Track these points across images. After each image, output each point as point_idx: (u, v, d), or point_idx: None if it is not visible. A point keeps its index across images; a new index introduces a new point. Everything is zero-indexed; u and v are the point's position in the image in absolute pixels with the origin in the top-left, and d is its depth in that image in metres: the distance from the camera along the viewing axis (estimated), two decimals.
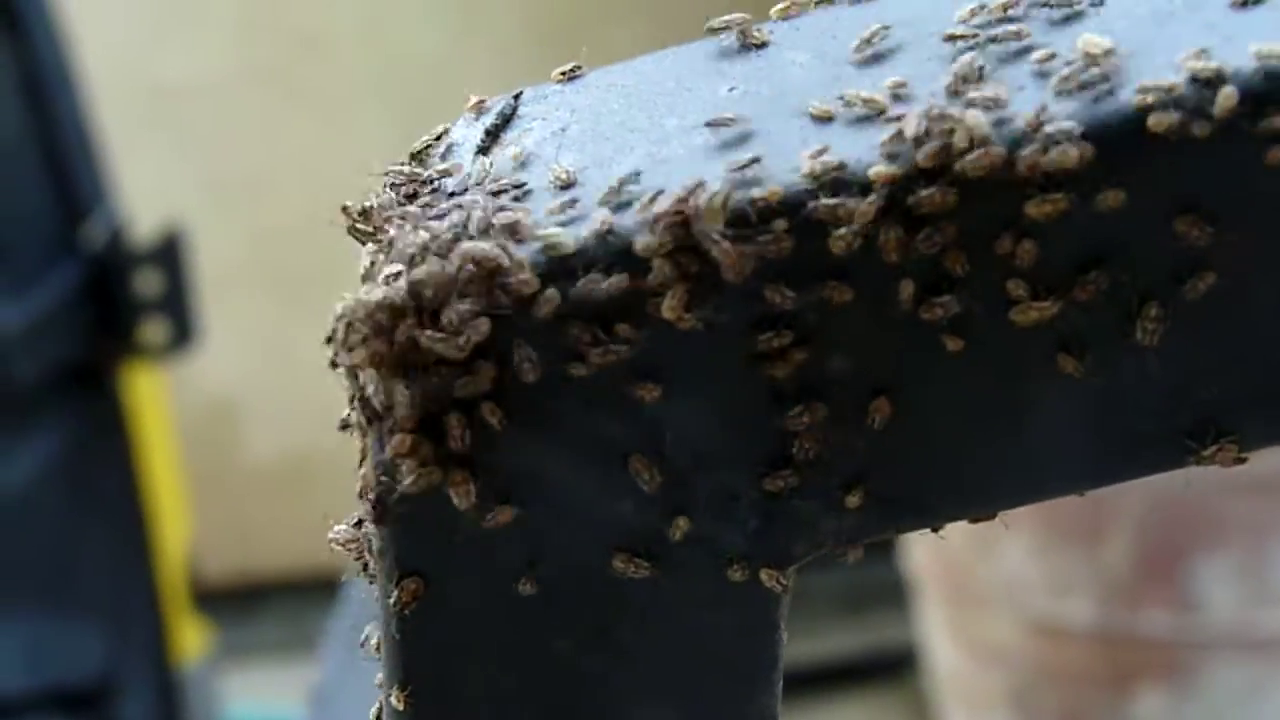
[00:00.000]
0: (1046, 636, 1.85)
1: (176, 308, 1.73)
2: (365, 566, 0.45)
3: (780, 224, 0.41)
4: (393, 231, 0.42)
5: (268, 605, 2.72)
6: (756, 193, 0.41)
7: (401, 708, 0.45)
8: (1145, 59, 0.41)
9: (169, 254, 1.72)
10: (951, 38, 0.43)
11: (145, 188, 2.18)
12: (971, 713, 1.95)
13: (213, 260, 2.23)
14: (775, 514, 0.43)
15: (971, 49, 0.43)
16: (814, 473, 0.43)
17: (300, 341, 2.70)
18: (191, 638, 1.81)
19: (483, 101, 0.47)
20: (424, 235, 0.41)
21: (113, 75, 2.43)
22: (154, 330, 1.73)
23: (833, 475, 0.43)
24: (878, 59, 0.44)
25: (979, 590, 1.88)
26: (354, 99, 2.66)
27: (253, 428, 2.73)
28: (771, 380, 0.42)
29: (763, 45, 0.46)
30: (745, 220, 0.41)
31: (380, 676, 0.46)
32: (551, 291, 0.41)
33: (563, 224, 0.42)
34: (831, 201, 0.40)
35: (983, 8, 0.44)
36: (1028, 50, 0.42)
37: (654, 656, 0.45)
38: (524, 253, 0.41)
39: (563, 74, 0.47)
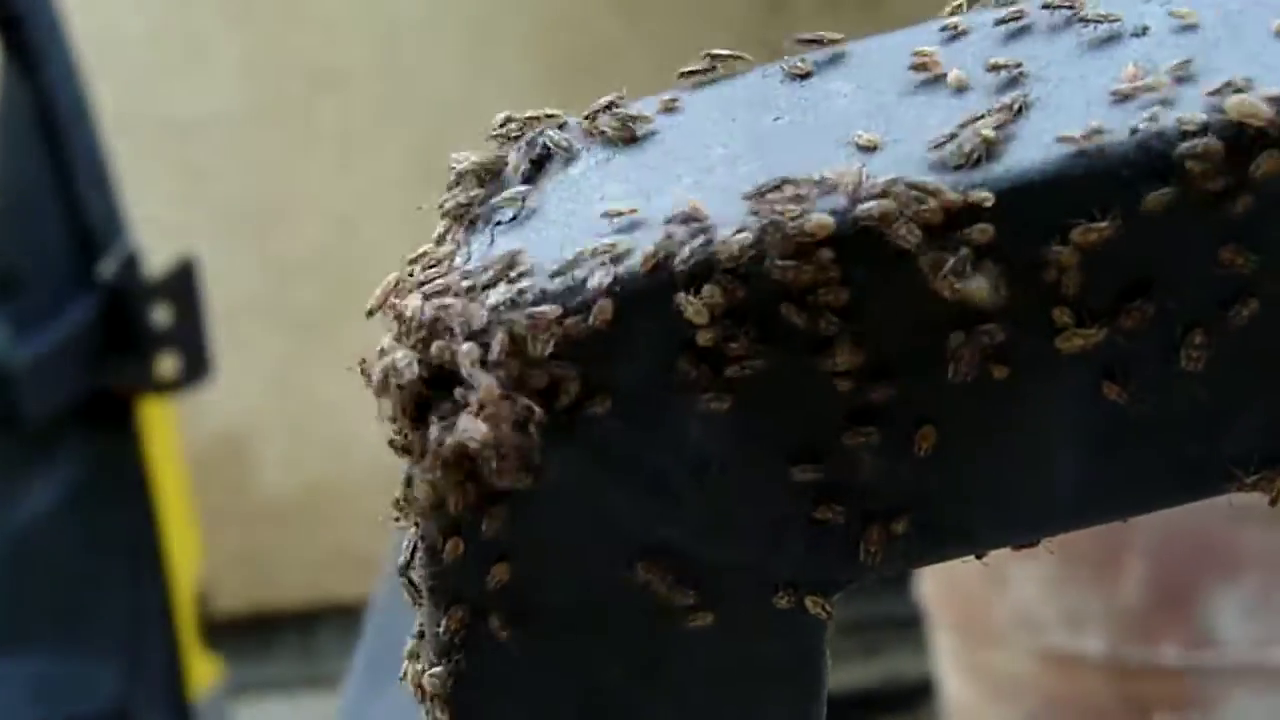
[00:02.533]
0: (1060, 668, 1.85)
1: (189, 341, 1.73)
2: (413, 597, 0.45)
3: (826, 254, 0.41)
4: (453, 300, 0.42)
5: (279, 638, 2.72)
6: (803, 224, 0.41)
7: None
8: (1188, 87, 0.41)
9: (182, 287, 1.73)
10: (995, 67, 0.43)
11: (158, 221, 2.19)
12: None
13: (225, 293, 2.23)
14: (821, 541, 0.43)
15: (1014, 78, 0.43)
16: (861, 500, 0.43)
17: (312, 374, 2.71)
18: (203, 671, 1.81)
19: (513, 124, 0.47)
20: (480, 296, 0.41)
21: (126, 109, 2.44)
22: (167, 363, 1.73)
23: (879, 503, 0.43)
24: (923, 88, 0.44)
25: (992, 622, 1.88)
26: (366, 133, 2.66)
27: (264, 461, 2.73)
28: (826, 403, 0.42)
29: (807, 75, 0.46)
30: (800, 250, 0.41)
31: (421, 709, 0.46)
32: (612, 320, 0.41)
33: (615, 255, 0.42)
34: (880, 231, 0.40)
35: (1022, 30, 0.44)
36: (1068, 76, 0.43)
37: (699, 685, 0.45)
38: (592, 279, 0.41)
39: (606, 105, 0.47)
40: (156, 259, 1.77)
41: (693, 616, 0.44)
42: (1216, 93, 0.41)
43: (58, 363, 1.67)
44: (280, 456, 2.73)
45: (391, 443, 0.43)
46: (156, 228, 2.08)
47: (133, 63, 2.60)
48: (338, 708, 1.35)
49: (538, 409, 0.41)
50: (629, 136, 0.46)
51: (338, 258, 2.66)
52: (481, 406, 0.40)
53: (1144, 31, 0.43)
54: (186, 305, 1.73)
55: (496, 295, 0.41)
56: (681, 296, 0.41)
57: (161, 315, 1.72)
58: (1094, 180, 0.40)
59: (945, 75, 0.44)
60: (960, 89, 0.43)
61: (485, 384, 0.40)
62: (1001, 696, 1.89)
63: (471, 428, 0.40)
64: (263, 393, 2.69)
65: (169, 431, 1.79)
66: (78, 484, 1.71)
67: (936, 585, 1.93)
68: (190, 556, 1.81)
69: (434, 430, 0.41)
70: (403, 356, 0.41)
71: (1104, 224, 0.40)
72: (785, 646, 0.44)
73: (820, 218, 0.41)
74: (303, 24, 2.64)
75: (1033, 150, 0.41)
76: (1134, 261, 0.41)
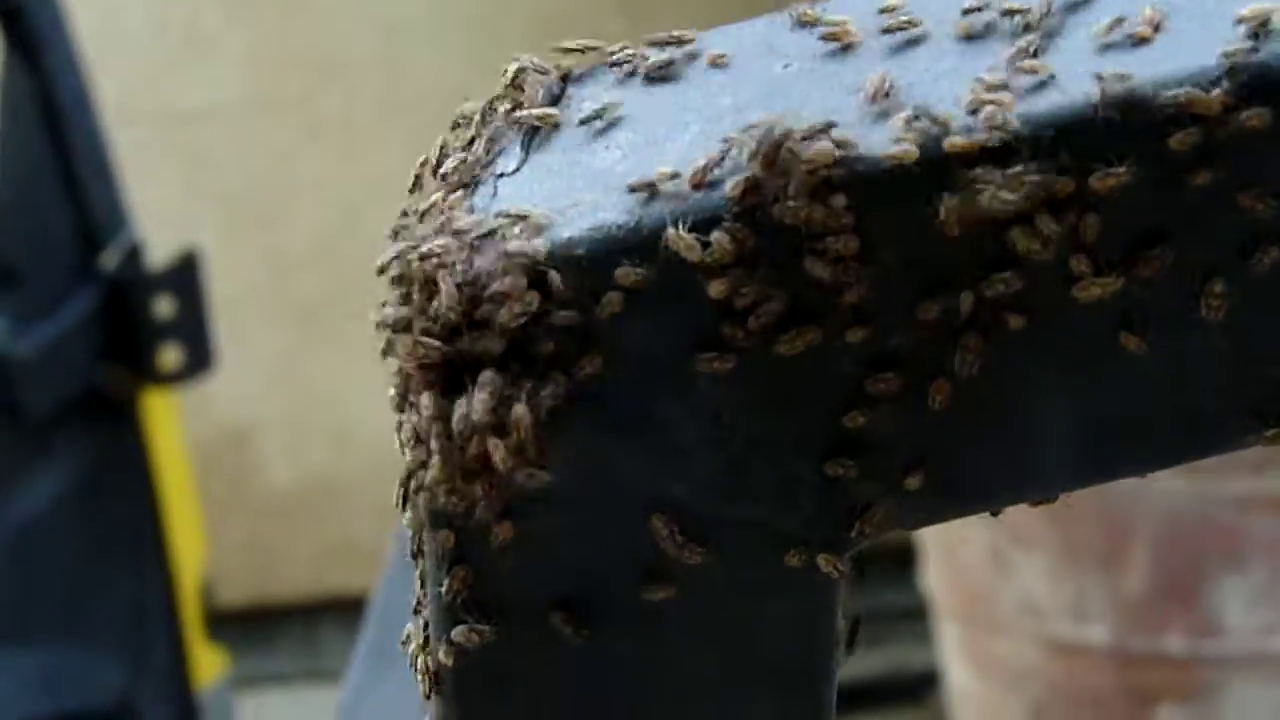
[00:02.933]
0: (1065, 658, 1.84)
1: (192, 333, 1.73)
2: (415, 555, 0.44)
3: (839, 200, 0.40)
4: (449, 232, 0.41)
5: (283, 630, 2.72)
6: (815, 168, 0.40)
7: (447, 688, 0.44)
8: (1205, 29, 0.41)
9: (185, 279, 1.72)
10: (1009, 11, 0.43)
11: (159, 213, 2.19)
12: None
13: (227, 285, 2.23)
14: (834, 498, 0.42)
15: (1028, 24, 0.42)
16: (874, 455, 0.42)
17: (315, 367, 2.71)
18: (207, 664, 1.81)
19: (522, 76, 0.46)
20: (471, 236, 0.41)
21: (128, 101, 2.44)
22: (169, 355, 1.73)
23: (892, 458, 0.42)
24: (924, 38, 0.43)
25: (997, 612, 1.88)
26: (368, 126, 2.66)
27: (267, 453, 2.73)
28: (838, 356, 0.41)
29: (815, 23, 0.45)
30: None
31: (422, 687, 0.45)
32: (622, 271, 0.40)
33: (627, 205, 0.41)
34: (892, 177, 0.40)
35: None
36: (1084, 21, 0.42)
37: (709, 645, 0.44)
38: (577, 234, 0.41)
39: (611, 54, 0.47)
40: (159, 251, 1.77)
41: (702, 575, 0.43)
42: (1248, 30, 0.40)
43: (60, 355, 1.67)
44: (283, 449, 2.73)
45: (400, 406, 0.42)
46: (159, 219, 2.07)
47: (135, 54, 2.60)
48: (339, 698, 1.35)
49: (552, 381, 0.40)
50: (647, 78, 0.45)
51: (341, 249, 2.66)
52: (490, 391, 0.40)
53: None
54: (189, 297, 1.73)
55: (501, 248, 0.41)
56: (682, 239, 0.40)
57: (164, 307, 1.72)
58: (1112, 125, 0.40)
59: (956, 22, 0.43)
60: (971, 36, 0.43)
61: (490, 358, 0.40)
62: (1006, 686, 1.89)
63: (480, 409, 0.40)
64: (266, 385, 2.69)
65: (172, 424, 1.79)
66: (80, 477, 1.71)
67: (941, 575, 1.93)
68: (194, 549, 1.81)
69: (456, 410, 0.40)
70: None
71: (1122, 169, 0.40)
72: (797, 606, 0.44)
73: (822, 146, 0.40)
74: (306, 16, 2.63)
75: (1051, 95, 0.40)
76: (1153, 208, 0.40)
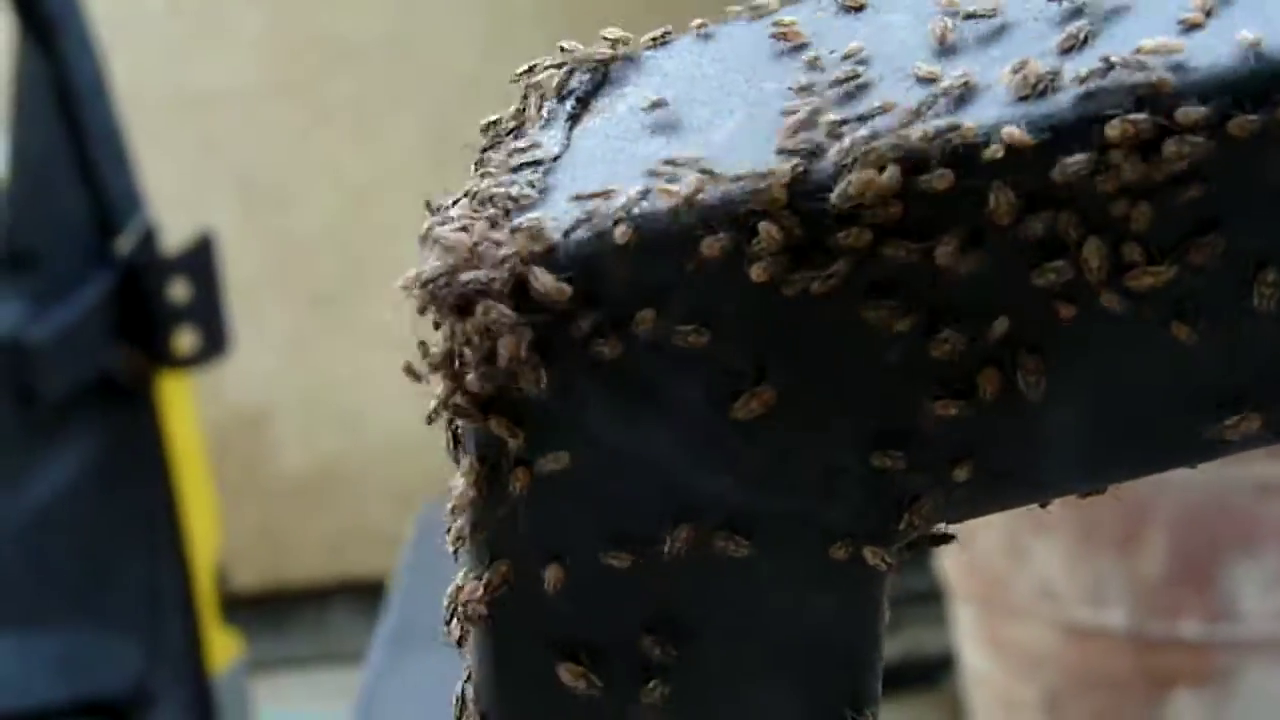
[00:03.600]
0: (1081, 642, 1.84)
1: (207, 316, 1.73)
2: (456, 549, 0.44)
3: (893, 174, 0.40)
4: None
5: (297, 613, 2.72)
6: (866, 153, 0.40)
7: (488, 693, 0.44)
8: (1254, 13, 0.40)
9: (199, 262, 1.72)
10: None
11: (174, 197, 2.19)
12: (1006, 719, 1.94)
13: (241, 269, 2.23)
14: (880, 489, 0.42)
15: (1078, 8, 0.42)
16: (922, 447, 0.42)
17: (329, 350, 2.71)
18: (222, 647, 1.81)
19: (567, 64, 0.46)
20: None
21: (143, 84, 2.43)
22: (184, 339, 1.73)
23: (940, 449, 0.42)
24: (976, 18, 0.43)
25: (1013, 596, 1.87)
26: (382, 109, 2.66)
27: (282, 437, 2.73)
28: (885, 346, 0.41)
29: (860, 8, 0.45)
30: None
31: (466, 664, 0.44)
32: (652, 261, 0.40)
33: (661, 192, 0.41)
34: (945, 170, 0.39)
35: None
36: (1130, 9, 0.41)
37: (753, 638, 0.43)
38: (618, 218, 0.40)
39: (653, 40, 0.46)
40: (173, 234, 1.77)
41: (746, 568, 0.42)
42: None
43: (75, 338, 1.67)
44: (298, 432, 2.73)
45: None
46: (173, 203, 2.07)
47: (149, 37, 2.60)
48: (360, 682, 1.35)
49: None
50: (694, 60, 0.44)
51: (354, 232, 2.66)
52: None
53: None
54: (204, 281, 1.72)
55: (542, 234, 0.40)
56: (710, 241, 0.40)
57: (179, 291, 1.72)
58: (1160, 113, 0.39)
59: (1005, 6, 0.43)
60: (1019, 21, 0.42)
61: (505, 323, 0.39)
62: (1022, 670, 1.89)
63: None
64: (280, 369, 2.69)
65: (186, 407, 1.79)
66: (95, 460, 1.71)
67: (957, 559, 1.93)
68: (208, 533, 1.81)
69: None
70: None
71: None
72: (842, 598, 0.43)
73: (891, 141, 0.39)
74: None
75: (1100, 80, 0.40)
76: (1205, 195, 0.40)
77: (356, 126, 2.66)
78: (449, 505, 0.43)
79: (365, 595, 2.67)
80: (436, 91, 2.64)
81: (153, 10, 2.61)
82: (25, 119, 1.69)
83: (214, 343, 1.74)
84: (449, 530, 0.43)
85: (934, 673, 2.31)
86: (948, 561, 1.95)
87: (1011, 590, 1.87)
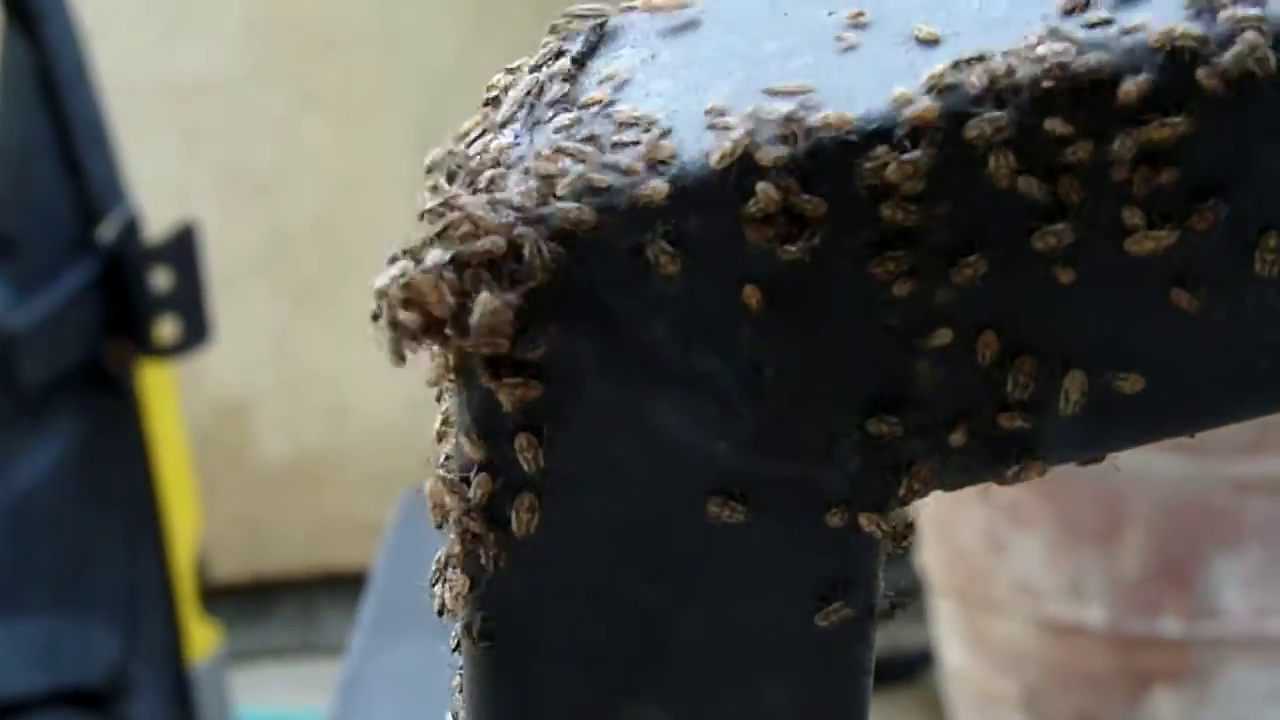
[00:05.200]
0: (1060, 638, 1.84)
1: (189, 305, 1.72)
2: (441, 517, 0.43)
3: (882, 149, 0.40)
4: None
5: (278, 605, 2.72)
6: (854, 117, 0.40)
7: (479, 657, 0.43)
8: None
9: (182, 251, 1.72)
10: None
11: (157, 185, 2.18)
12: (985, 715, 1.94)
13: (224, 259, 2.23)
14: (877, 455, 0.41)
15: None
16: (918, 411, 0.41)
17: (311, 341, 2.70)
18: (202, 637, 1.81)
19: (563, 26, 0.46)
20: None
21: (126, 72, 2.43)
22: (166, 328, 1.72)
23: (937, 413, 0.41)
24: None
25: (993, 591, 1.88)
26: (368, 99, 2.66)
27: (263, 427, 2.73)
28: (883, 310, 0.41)
29: None
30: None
31: (455, 632, 0.44)
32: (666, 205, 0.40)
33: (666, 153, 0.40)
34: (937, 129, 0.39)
35: None
36: None
37: (742, 602, 0.43)
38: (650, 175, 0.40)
39: (648, 1, 0.46)
40: (156, 223, 1.77)
41: (740, 531, 0.42)
42: None
43: (57, 326, 1.66)
44: (279, 423, 2.72)
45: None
46: (157, 191, 2.07)
47: (133, 26, 2.59)
48: (342, 668, 1.35)
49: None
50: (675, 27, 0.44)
51: (338, 223, 2.66)
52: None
53: None
54: (186, 270, 1.72)
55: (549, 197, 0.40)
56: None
57: (161, 280, 1.72)
58: (1168, 74, 0.39)
59: None
60: None
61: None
62: (1002, 666, 1.89)
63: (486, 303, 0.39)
64: (262, 359, 2.68)
65: (168, 397, 1.79)
66: (76, 449, 1.70)
67: (937, 554, 1.93)
68: (189, 523, 1.81)
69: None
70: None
71: (1178, 119, 0.39)
72: (837, 566, 0.43)
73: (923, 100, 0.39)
74: None
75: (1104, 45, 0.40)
76: (1208, 160, 0.40)
77: (341, 117, 2.65)
78: (437, 482, 0.43)
79: (346, 586, 2.66)
80: (422, 82, 2.63)
81: None
82: (8, 106, 1.69)
83: (196, 332, 1.74)
84: (435, 505, 0.43)
85: (913, 668, 2.31)
86: (927, 556, 1.95)
87: (991, 586, 1.88)
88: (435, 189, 0.42)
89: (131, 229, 1.71)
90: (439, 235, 0.40)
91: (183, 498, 1.80)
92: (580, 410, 0.41)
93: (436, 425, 0.44)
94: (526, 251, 0.40)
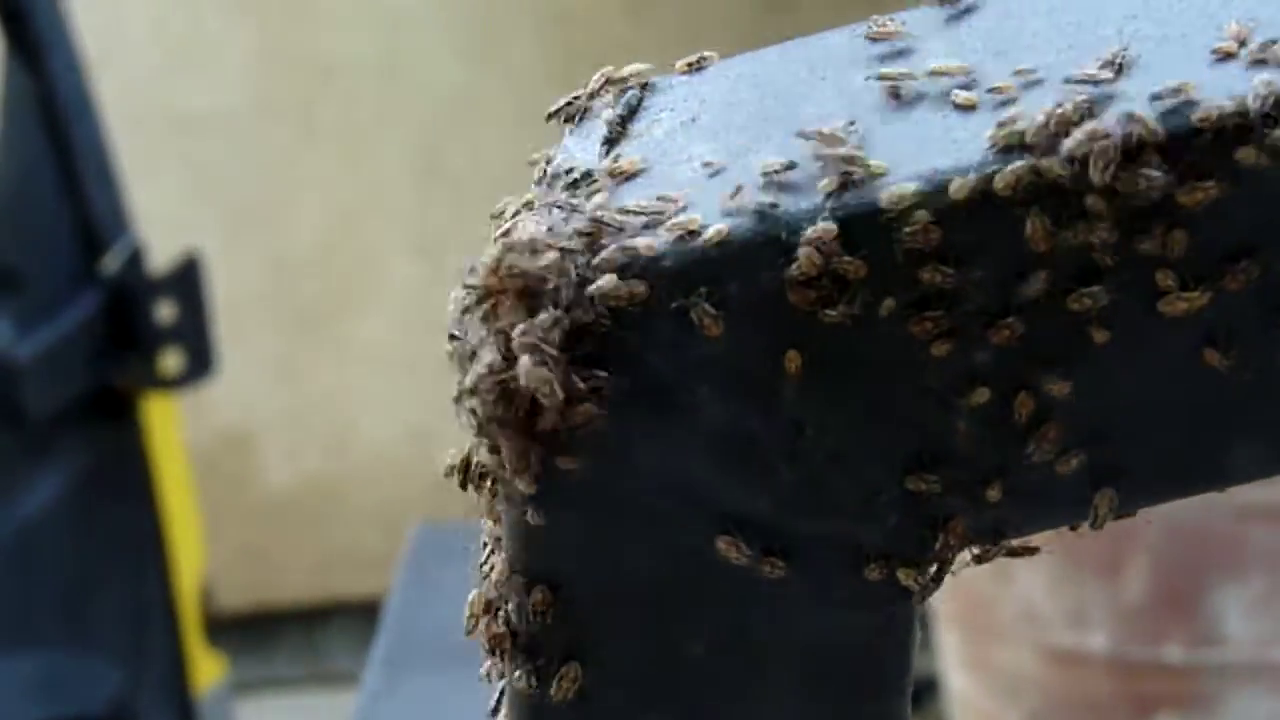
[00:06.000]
0: (1064, 666, 1.84)
1: (193, 336, 1.73)
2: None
3: (922, 215, 0.40)
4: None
5: (282, 634, 2.72)
6: (900, 188, 0.40)
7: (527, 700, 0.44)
8: None
9: (186, 282, 1.73)
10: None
11: (161, 217, 2.19)
12: None
13: (228, 290, 2.23)
14: (915, 511, 0.42)
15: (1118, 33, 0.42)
16: (956, 469, 0.42)
17: (315, 371, 2.71)
18: (206, 667, 1.81)
19: (600, 89, 0.46)
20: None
21: (130, 104, 2.44)
22: (171, 359, 1.73)
23: (974, 470, 0.42)
24: (1009, 50, 0.43)
25: (997, 619, 1.88)
26: (370, 130, 2.66)
27: (267, 457, 2.73)
28: (922, 370, 0.41)
29: (894, 36, 0.45)
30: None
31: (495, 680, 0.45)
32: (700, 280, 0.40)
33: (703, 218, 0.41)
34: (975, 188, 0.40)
35: None
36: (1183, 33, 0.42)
37: (787, 656, 0.44)
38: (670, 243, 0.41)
39: (688, 65, 0.46)
40: (160, 254, 1.77)
41: (782, 588, 0.43)
42: None
43: (61, 358, 1.66)
44: (283, 453, 2.73)
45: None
46: (160, 223, 2.07)
47: (136, 57, 2.60)
48: (355, 706, 1.35)
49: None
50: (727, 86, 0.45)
51: (341, 253, 2.66)
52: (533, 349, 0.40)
53: None
54: (190, 301, 1.73)
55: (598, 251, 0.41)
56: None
57: (165, 311, 1.72)
58: (1199, 139, 0.40)
59: (1039, 33, 0.43)
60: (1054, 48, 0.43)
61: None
62: (1006, 693, 1.89)
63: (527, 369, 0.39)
64: (266, 389, 2.69)
65: (172, 428, 1.79)
66: (81, 480, 1.71)
67: (942, 585, 1.93)
68: (193, 553, 1.81)
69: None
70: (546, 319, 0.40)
71: (1210, 184, 0.40)
72: (875, 618, 0.43)
73: (904, 187, 0.40)
74: (306, 19, 2.63)
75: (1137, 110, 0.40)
76: (1240, 222, 0.40)
77: (343, 147, 2.66)
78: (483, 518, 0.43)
79: (351, 615, 2.66)
80: (423, 113, 2.64)
81: (140, 30, 2.62)
82: (12, 137, 1.70)
83: (201, 363, 1.74)
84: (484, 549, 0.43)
85: (918, 696, 2.31)
86: None
87: (995, 613, 1.88)
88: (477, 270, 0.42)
89: (135, 260, 1.71)
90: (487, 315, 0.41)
91: (187, 528, 1.80)
92: (627, 470, 0.42)
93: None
94: (572, 319, 0.40)
